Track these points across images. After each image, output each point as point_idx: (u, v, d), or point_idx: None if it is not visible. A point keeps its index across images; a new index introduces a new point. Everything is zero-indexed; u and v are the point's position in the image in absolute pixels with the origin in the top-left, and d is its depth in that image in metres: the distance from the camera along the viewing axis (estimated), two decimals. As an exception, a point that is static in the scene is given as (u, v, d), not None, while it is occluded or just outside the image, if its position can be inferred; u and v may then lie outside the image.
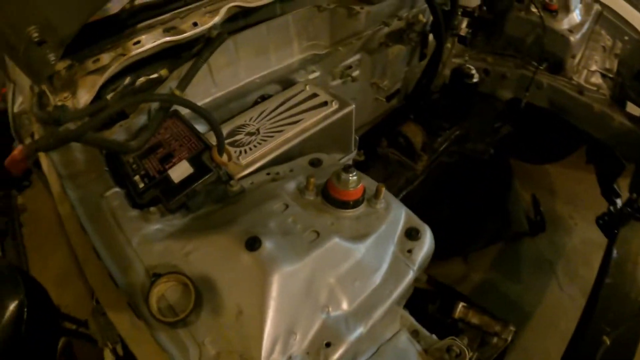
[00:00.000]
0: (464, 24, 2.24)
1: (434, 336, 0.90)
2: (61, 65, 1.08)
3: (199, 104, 1.28)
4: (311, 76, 1.50)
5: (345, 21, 1.46)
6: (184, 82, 1.13)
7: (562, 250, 2.65)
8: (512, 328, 1.27)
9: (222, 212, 0.99)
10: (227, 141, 1.22)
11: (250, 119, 1.28)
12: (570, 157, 2.59)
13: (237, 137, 1.23)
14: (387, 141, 2.00)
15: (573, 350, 1.26)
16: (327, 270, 0.84)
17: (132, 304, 0.84)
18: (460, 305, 1.24)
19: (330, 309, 0.81)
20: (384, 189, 0.96)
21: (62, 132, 0.98)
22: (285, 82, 1.46)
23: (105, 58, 1.11)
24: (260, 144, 1.19)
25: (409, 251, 0.92)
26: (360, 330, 0.80)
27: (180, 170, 1.00)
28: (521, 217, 2.58)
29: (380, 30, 1.62)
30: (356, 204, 0.95)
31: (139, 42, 1.13)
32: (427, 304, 1.96)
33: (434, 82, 1.95)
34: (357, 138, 1.46)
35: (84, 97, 1.11)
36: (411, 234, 0.94)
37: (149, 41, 1.13)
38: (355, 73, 1.66)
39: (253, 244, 0.82)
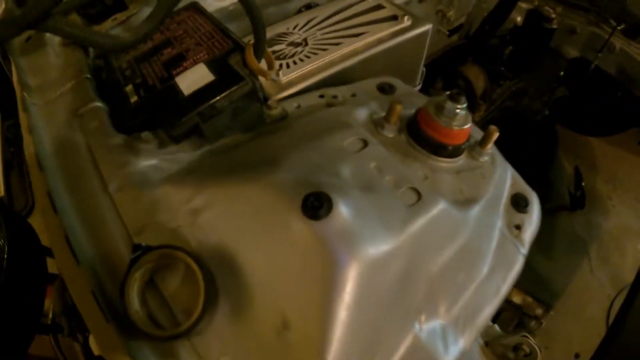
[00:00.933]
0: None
1: (496, 326, 0.68)
2: None
3: (229, 1, 0.98)
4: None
5: None
6: None
7: (597, 231, 2.47)
8: (551, 313, 1.21)
9: (255, 145, 0.68)
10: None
11: (295, 27, 0.98)
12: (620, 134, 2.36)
13: (277, 47, 0.94)
14: (443, 82, 1.70)
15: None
16: (429, 255, 0.55)
17: (97, 295, 0.51)
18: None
19: (424, 317, 0.53)
20: (495, 135, 0.68)
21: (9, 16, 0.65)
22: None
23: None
24: (308, 57, 0.90)
25: (517, 227, 0.66)
26: (460, 347, 0.54)
27: (193, 78, 0.69)
28: (563, 189, 2.35)
29: None
30: (456, 151, 0.67)
31: None
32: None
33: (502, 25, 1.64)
34: (424, 70, 1.17)
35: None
36: (519, 202, 0.68)
37: None
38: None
39: (318, 205, 0.49)
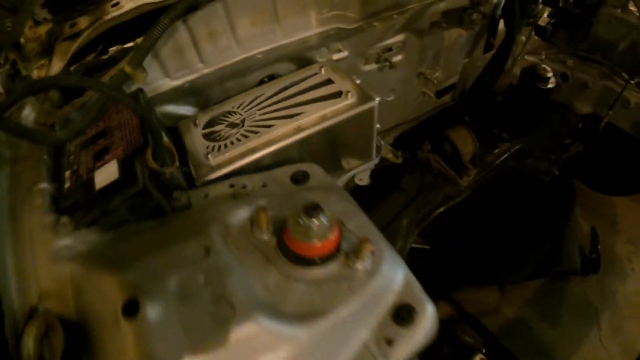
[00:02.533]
0: (545, 14, 1.85)
1: None
2: (42, 29, 0.99)
3: (183, 80, 1.02)
4: (336, 56, 1.17)
5: None
6: (137, 57, 0.85)
7: (612, 297, 2.27)
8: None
9: (151, 233, 0.73)
10: (203, 131, 0.96)
11: (240, 106, 1.00)
12: (642, 193, 2.20)
13: (217, 128, 0.96)
14: (431, 145, 1.66)
15: None
16: None
17: (9, 340, 0.63)
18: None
19: None
20: (369, 246, 0.65)
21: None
22: (301, 60, 1.14)
23: (83, 22, 0.98)
24: (239, 140, 0.91)
25: (389, 342, 0.61)
26: None
27: (106, 174, 0.75)
28: (574, 252, 2.19)
29: (433, 5, 1.25)
30: (325, 259, 0.65)
31: (117, 3, 0.96)
32: (442, 343, 1.70)
33: (498, 81, 1.58)
34: (382, 143, 1.15)
35: (57, 65, 0.97)
36: (401, 314, 0.63)
37: (128, 3, 0.96)
38: (397, 58, 1.31)
39: (131, 307, 0.58)
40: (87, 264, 0.68)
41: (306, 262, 0.65)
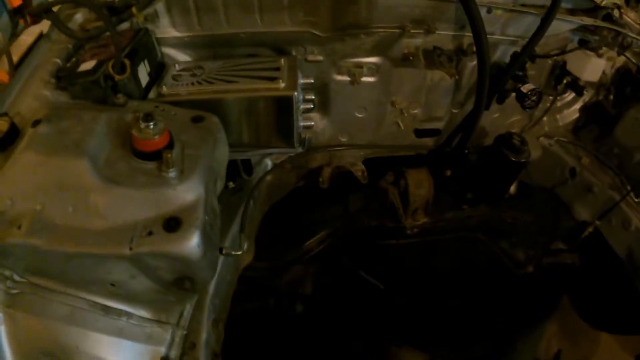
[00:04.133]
0: (578, 105, 1.84)
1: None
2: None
3: (184, 34, 1.37)
4: (311, 57, 1.43)
5: (345, 5, 1.31)
6: (142, 3, 1.22)
7: None
8: None
9: (89, 109, 1.06)
10: (175, 73, 1.29)
11: (209, 66, 1.31)
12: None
13: (184, 74, 1.29)
14: (394, 177, 1.77)
15: None
16: None
17: None
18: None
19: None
20: (170, 158, 0.91)
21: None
22: (279, 50, 1.43)
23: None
24: (189, 84, 1.23)
25: (150, 233, 0.87)
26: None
27: (86, 66, 1.13)
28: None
29: (405, 36, 1.40)
30: (146, 157, 0.93)
31: None
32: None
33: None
34: (307, 137, 1.37)
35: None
36: (171, 222, 0.88)
37: None
38: (369, 79, 1.50)
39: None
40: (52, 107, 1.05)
41: (135, 152, 0.94)
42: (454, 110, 1.68)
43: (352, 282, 1.89)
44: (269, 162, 1.64)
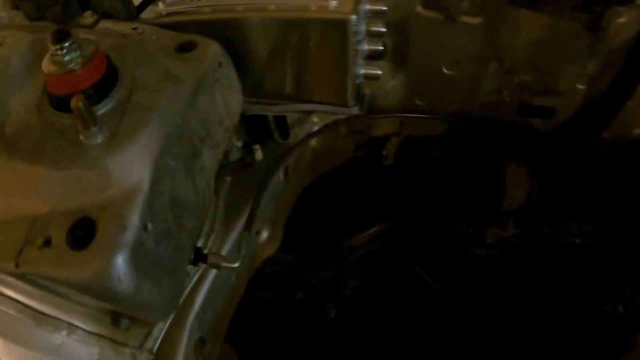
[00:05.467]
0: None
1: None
2: None
3: None
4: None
5: None
6: None
7: None
8: None
9: None
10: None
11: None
12: None
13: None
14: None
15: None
16: None
17: None
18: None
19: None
20: (79, 103, 0.52)
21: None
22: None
23: None
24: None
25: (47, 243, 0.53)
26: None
27: None
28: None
29: None
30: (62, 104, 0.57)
31: None
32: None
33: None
34: (369, 93, 0.94)
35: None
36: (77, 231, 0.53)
37: None
38: (470, 19, 1.02)
39: None
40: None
41: (49, 97, 0.58)
42: (580, 87, 1.13)
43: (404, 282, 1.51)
44: (315, 123, 1.24)
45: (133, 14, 0.85)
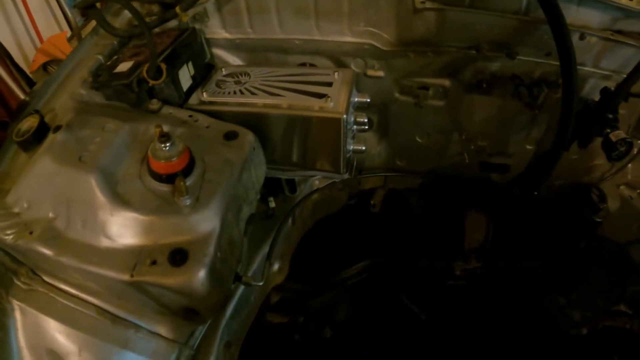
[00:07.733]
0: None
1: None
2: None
3: (234, 36, 1.29)
4: (370, 72, 1.28)
5: (411, 18, 1.14)
6: (185, 4, 1.12)
7: None
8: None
9: (120, 110, 1.03)
10: (220, 78, 1.20)
11: (256, 72, 1.20)
12: None
13: (228, 79, 1.19)
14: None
15: None
16: None
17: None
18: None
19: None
20: (182, 185, 0.81)
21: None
22: (338, 62, 1.29)
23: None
24: (230, 93, 1.13)
25: (154, 262, 0.81)
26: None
27: (124, 67, 1.07)
28: None
29: (478, 61, 1.20)
30: (163, 179, 0.86)
31: None
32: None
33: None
34: (354, 162, 1.22)
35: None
36: (175, 254, 0.81)
37: None
38: (435, 102, 1.32)
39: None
40: (81, 110, 1.00)
41: (150, 172, 0.86)
42: (528, 147, 1.44)
43: (391, 310, 1.74)
44: (316, 181, 1.52)
45: (182, 99, 1.13)
